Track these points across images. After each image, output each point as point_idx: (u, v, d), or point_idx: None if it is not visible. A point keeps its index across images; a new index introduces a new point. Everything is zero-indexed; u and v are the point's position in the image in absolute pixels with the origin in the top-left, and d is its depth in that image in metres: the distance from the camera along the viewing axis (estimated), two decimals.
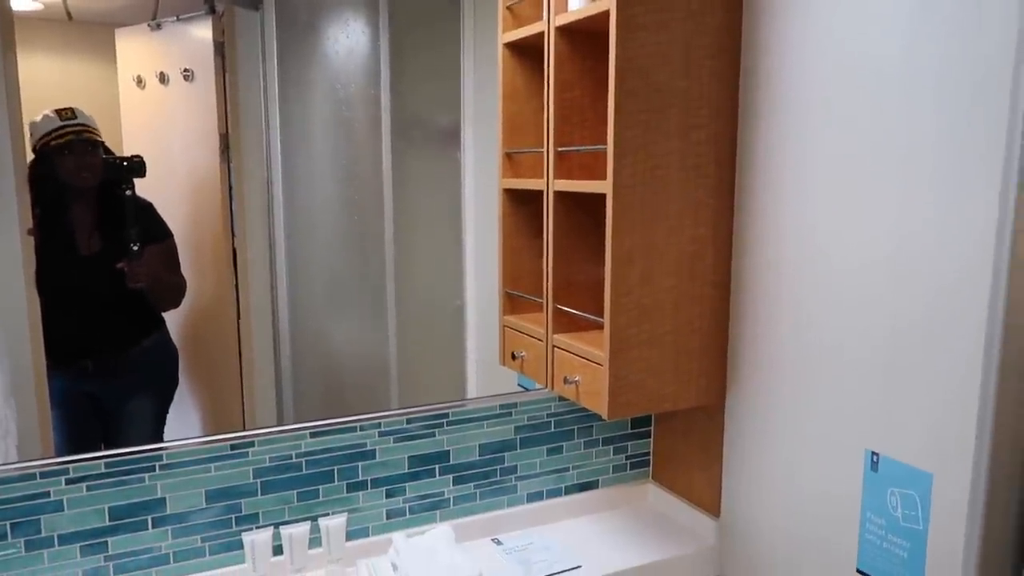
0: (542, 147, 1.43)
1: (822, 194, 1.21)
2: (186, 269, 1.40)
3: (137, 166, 1.33)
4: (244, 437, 1.38)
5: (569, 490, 1.68)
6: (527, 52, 1.51)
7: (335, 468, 1.46)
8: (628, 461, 1.73)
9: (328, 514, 1.45)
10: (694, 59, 1.27)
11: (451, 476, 1.56)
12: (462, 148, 1.61)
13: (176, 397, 1.42)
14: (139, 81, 1.33)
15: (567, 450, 1.67)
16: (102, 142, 1.31)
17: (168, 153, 1.37)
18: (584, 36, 1.36)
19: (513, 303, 1.58)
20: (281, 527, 1.38)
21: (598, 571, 1.45)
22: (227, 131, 1.40)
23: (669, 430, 1.68)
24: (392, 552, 1.40)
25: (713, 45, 1.29)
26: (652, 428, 1.74)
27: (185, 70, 1.37)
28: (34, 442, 1.28)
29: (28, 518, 1.25)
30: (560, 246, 1.41)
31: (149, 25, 1.33)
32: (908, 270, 1.07)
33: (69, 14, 1.27)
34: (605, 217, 1.26)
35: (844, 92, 1.15)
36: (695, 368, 1.38)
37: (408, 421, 1.51)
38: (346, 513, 1.43)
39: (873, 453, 1.15)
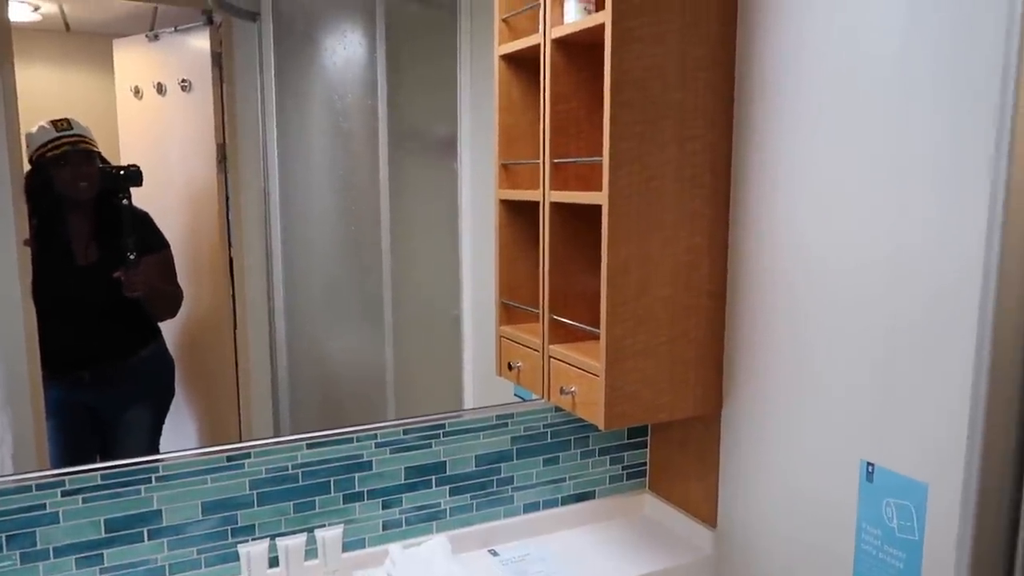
0: (538, 158, 1.44)
1: (816, 203, 1.21)
2: (183, 279, 1.40)
3: (134, 175, 1.33)
4: (240, 448, 1.38)
5: (566, 501, 1.68)
6: (523, 64, 1.51)
7: (331, 479, 1.45)
8: (625, 472, 1.73)
9: (324, 525, 1.45)
10: (689, 71, 1.28)
11: (447, 487, 1.56)
12: (459, 159, 1.62)
13: (172, 407, 1.42)
14: (136, 91, 1.34)
15: (564, 461, 1.67)
16: (98, 152, 1.31)
17: (165, 163, 1.38)
18: (580, 48, 1.37)
19: (509, 313, 1.59)
20: (277, 539, 1.37)
21: None
22: (224, 141, 1.41)
23: (665, 440, 1.68)
24: (388, 563, 1.40)
25: (708, 57, 1.30)
26: (648, 438, 1.74)
27: (183, 81, 1.37)
28: (30, 453, 1.28)
29: (24, 530, 1.25)
30: (556, 257, 1.41)
31: (147, 36, 1.34)
32: (902, 278, 1.07)
33: (67, 25, 1.28)
34: (601, 228, 1.26)
35: (838, 100, 1.16)
36: (691, 378, 1.38)
37: (404, 432, 1.51)
38: (342, 524, 1.43)
39: (868, 463, 1.15)
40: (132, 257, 1.35)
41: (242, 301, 1.46)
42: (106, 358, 1.39)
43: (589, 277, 1.42)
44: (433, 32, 1.59)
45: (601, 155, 1.25)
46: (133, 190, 1.34)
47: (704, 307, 1.37)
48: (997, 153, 0.83)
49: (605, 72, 1.21)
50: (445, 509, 1.56)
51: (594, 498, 1.71)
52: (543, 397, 1.48)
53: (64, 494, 1.26)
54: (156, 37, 1.35)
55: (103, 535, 1.30)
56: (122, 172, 1.33)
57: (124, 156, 1.33)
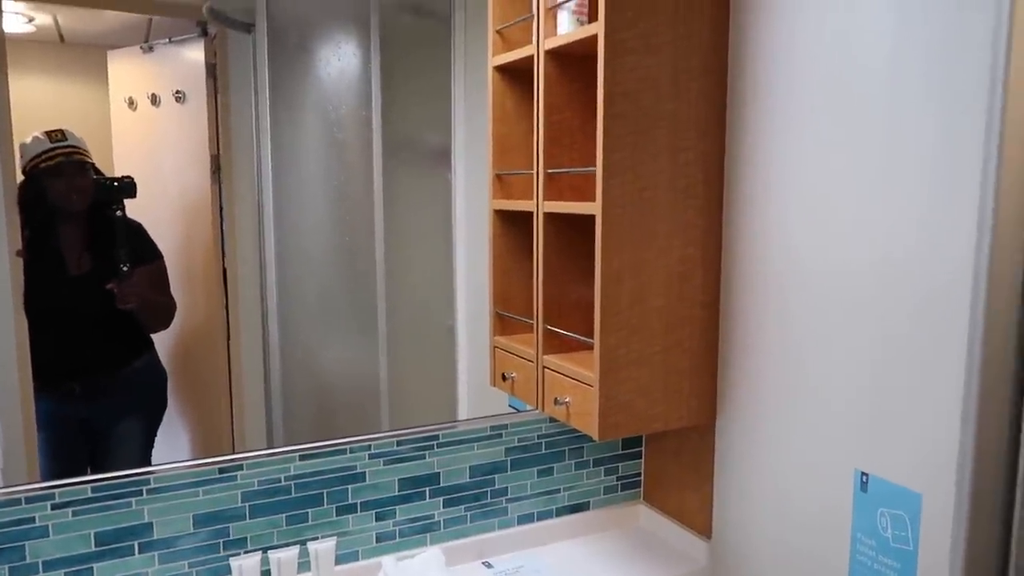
0: (532, 169, 1.44)
1: (808, 210, 1.22)
2: (176, 289, 1.40)
3: (128, 187, 1.33)
4: (232, 460, 1.37)
5: (560, 512, 1.68)
6: (517, 75, 1.52)
7: (324, 491, 1.45)
8: (619, 482, 1.73)
9: (317, 538, 1.44)
10: (682, 81, 1.29)
11: (441, 499, 1.55)
12: (453, 169, 1.62)
13: (165, 418, 1.42)
14: (131, 103, 1.34)
15: (558, 471, 1.66)
16: (92, 164, 1.31)
17: (159, 174, 1.37)
18: (573, 59, 1.38)
19: (503, 324, 1.59)
20: (270, 551, 1.37)
21: None
22: (218, 152, 1.41)
23: (660, 451, 1.68)
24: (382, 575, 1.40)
25: (700, 67, 1.31)
26: (643, 449, 1.74)
27: (177, 92, 1.38)
28: (20, 466, 1.28)
29: (12, 544, 1.24)
30: (550, 267, 1.41)
31: (141, 47, 1.34)
32: (893, 285, 1.08)
33: (61, 36, 1.28)
34: (595, 238, 1.26)
35: (829, 105, 1.17)
36: (685, 388, 1.38)
37: (398, 443, 1.50)
38: (335, 537, 1.43)
39: (863, 473, 1.15)
40: (125, 269, 1.34)
41: (236, 312, 1.45)
42: (98, 370, 1.39)
43: (583, 287, 1.42)
44: (427, 43, 1.60)
45: (594, 165, 1.25)
46: (127, 201, 1.34)
47: (698, 317, 1.37)
48: (986, 156, 0.83)
49: (598, 83, 1.22)
50: (439, 521, 1.56)
51: (588, 509, 1.70)
52: (537, 408, 1.48)
53: (54, 507, 1.25)
54: (151, 48, 1.35)
55: (93, 549, 1.29)
56: (116, 184, 1.33)
57: (118, 167, 1.33)
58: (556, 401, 1.39)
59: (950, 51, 0.97)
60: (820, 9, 1.17)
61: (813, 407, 1.24)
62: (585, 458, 1.69)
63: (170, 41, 1.36)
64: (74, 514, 1.27)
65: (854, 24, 1.12)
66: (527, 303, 1.56)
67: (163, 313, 1.40)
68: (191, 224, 1.41)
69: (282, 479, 1.41)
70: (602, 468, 1.71)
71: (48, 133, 1.27)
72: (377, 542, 1.51)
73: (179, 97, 1.38)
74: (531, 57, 1.40)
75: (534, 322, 1.45)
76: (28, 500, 1.24)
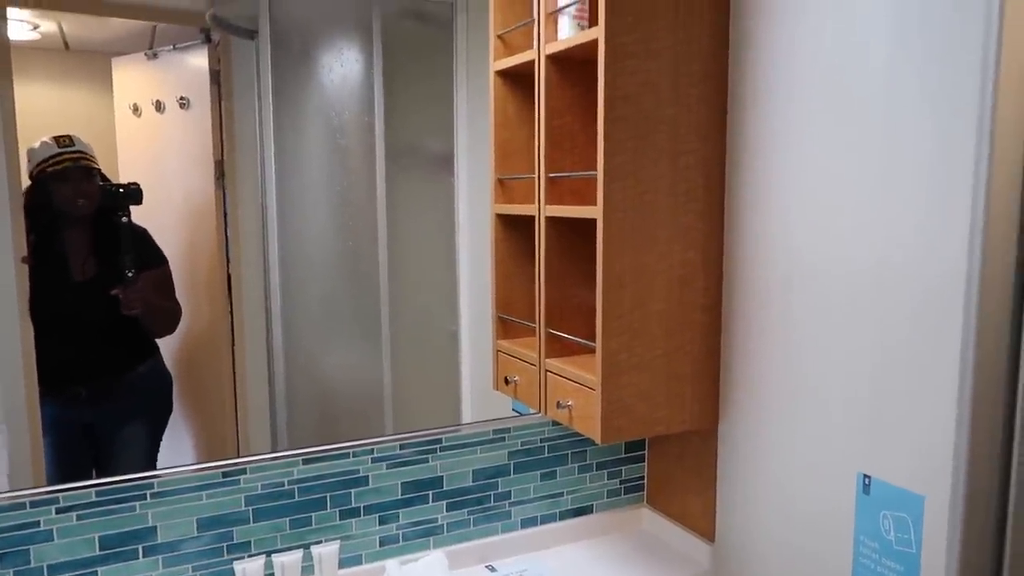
0: (534, 173, 1.44)
1: (808, 216, 1.22)
2: (181, 295, 1.41)
3: (134, 193, 1.34)
4: (236, 464, 1.38)
5: (563, 515, 1.68)
6: (518, 80, 1.53)
7: (328, 495, 1.45)
8: (622, 486, 1.73)
9: (321, 542, 1.44)
10: (682, 86, 1.29)
11: (444, 502, 1.56)
12: (455, 174, 1.63)
13: (169, 422, 1.42)
14: (135, 109, 1.35)
15: (561, 475, 1.66)
16: (99, 169, 1.32)
17: (164, 180, 1.38)
18: (574, 64, 1.38)
19: (506, 327, 1.59)
20: (273, 555, 1.37)
21: None
22: (223, 158, 1.41)
23: (663, 454, 1.68)
24: None
25: (700, 71, 1.31)
26: (646, 452, 1.74)
27: (181, 98, 1.38)
28: (25, 470, 1.28)
29: (17, 548, 1.24)
30: (552, 271, 1.42)
31: (146, 54, 1.35)
32: (893, 288, 1.08)
33: (66, 44, 1.29)
34: (596, 242, 1.27)
35: (828, 114, 1.17)
36: (687, 392, 1.38)
37: (401, 447, 1.51)
38: (339, 540, 1.43)
39: (865, 476, 1.15)
40: (130, 275, 1.35)
41: (240, 317, 1.46)
42: (103, 374, 1.39)
43: (585, 291, 1.43)
44: (429, 49, 1.60)
45: (596, 170, 1.26)
46: (133, 207, 1.35)
47: (699, 321, 1.37)
48: (977, 158, 0.83)
49: (599, 87, 1.22)
50: (442, 524, 1.56)
51: (592, 513, 1.70)
52: (540, 411, 1.48)
53: (58, 511, 1.26)
54: (155, 55, 1.36)
55: (97, 552, 1.29)
56: (121, 190, 1.33)
57: (123, 173, 1.34)
58: (559, 404, 1.39)
59: (945, 56, 0.98)
60: (820, 16, 1.18)
61: (815, 410, 1.24)
62: (588, 461, 1.69)
63: (174, 48, 1.37)
64: (79, 518, 1.27)
65: (853, 30, 1.12)
66: (529, 307, 1.56)
67: (168, 318, 1.40)
68: (195, 229, 1.41)
69: (285, 483, 1.41)
70: (605, 472, 1.71)
71: (56, 138, 1.28)
72: (380, 546, 1.51)
73: (183, 103, 1.38)
74: (532, 62, 1.41)
75: (536, 326, 1.46)
76: (33, 504, 1.24)
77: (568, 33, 1.33)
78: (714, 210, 1.36)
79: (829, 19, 1.16)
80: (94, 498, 1.28)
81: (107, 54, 1.32)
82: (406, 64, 1.57)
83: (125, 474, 1.31)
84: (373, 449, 1.48)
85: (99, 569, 1.30)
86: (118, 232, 1.34)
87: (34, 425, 1.29)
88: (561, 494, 1.67)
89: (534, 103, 1.42)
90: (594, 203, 1.27)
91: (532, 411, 1.58)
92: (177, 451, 1.42)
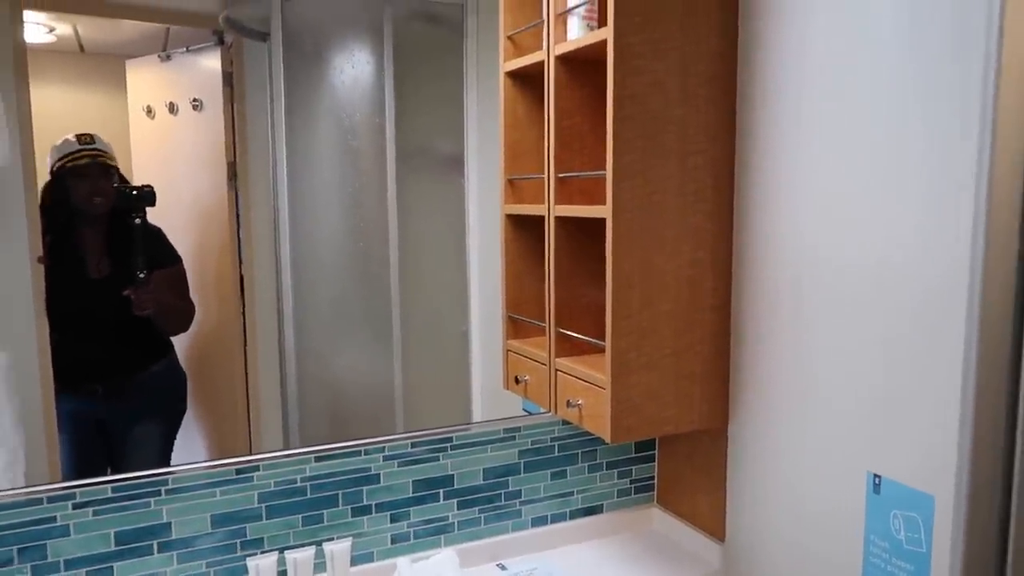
0: (543, 173, 1.45)
1: (817, 217, 1.22)
2: (194, 295, 1.42)
3: (148, 195, 1.35)
4: (249, 461, 1.39)
5: (574, 515, 1.68)
6: (528, 80, 1.53)
7: (340, 492, 1.46)
8: (632, 485, 1.73)
9: (333, 539, 1.45)
10: (690, 86, 1.29)
11: (455, 500, 1.56)
12: (466, 175, 1.63)
13: (183, 421, 1.44)
14: (149, 111, 1.36)
15: (571, 474, 1.67)
16: (116, 168, 1.34)
17: (177, 181, 1.39)
18: (583, 64, 1.39)
19: (516, 327, 1.60)
20: (286, 552, 1.38)
21: None
22: (235, 159, 1.42)
23: (673, 454, 1.68)
24: None
25: (709, 72, 1.31)
26: (656, 452, 1.74)
27: (194, 100, 1.39)
28: (41, 467, 1.30)
29: (35, 543, 1.26)
30: (562, 270, 1.42)
31: (159, 56, 1.36)
32: (900, 291, 1.08)
33: (81, 46, 1.30)
34: (605, 242, 1.27)
35: (837, 116, 1.17)
36: (697, 392, 1.38)
37: (412, 445, 1.52)
38: (351, 538, 1.44)
39: (875, 475, 1.15)
40: (142, 276, 1.36)
41: (252, 317, 1.47)
42: (117, 372, 1.41)
43: (594, 291, 1.43)
44: (440, 50, 1.61)
45: (605, 169, 1.26)
46: (146, 208, 1.36)
47: (708, 321, 1.37)
48: (979, 159, 0.84)
49: (607, 88, 1.23)
50: (453, 523, 1.57)
51: (602, 512, 1.71)
52: (550, 410, 1.48)
53: (75, 507, 1.28)
54: (168, 57, 1.37)
55: (113, 548, 1.31)
56: (135, 192, 1.35)
57: (137, 174, 1.35)
58: (569, 404, 1.39)
59: (951, 57, 0.98)
60: (829, 17, 1.18)
61: (824, 410, 1.24)
62: (598, 461, 1.69)
63: (187, 50, 1.38)
64: (95, 514, 1.29)
65: (862, 31, 1.12)
66: (539, 307, 1.57)
67: (181, 317, 1.42)
68: (208, 230, 1.43)
69: (298, 480, 1.43)
70: (615, 471, 1.71)
71: (78, 136, 1.30)
72: (392, 543, 1.52)
73: (196, 105, 1.39)
74: (542, 63, 1.42)
75: (546, 325, 1.46)
76: (50, 500, 1.26)
77: (577, 34, 1.34)
78: (723, 210, 1.36)
79: (838, 20, 1.16)
80: (110, 494, 1.30)
81: (121, 56, 1.33)
82: (417, 66, 1.57)
83: (139, 471, 1.32)
84: (384, 447, 1.49)
85: (115, 564, 1.31)
86: (131, 233, 1.36)
87: (50, 423, 1.31)
88: (571, 493, 1.67)
89: (544, 104, 1.42)
90: (603, 203, 1.27)
91: (542, 410, 1.58)
92: (190, 449, 1.43)
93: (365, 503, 1.49)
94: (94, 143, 1.31)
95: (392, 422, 1.60)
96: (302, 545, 1.43)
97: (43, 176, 1.28)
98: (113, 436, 1.41)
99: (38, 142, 1.26)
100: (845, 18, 1.15)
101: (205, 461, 1.37)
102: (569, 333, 1.43)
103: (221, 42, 1.40)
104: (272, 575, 1.35)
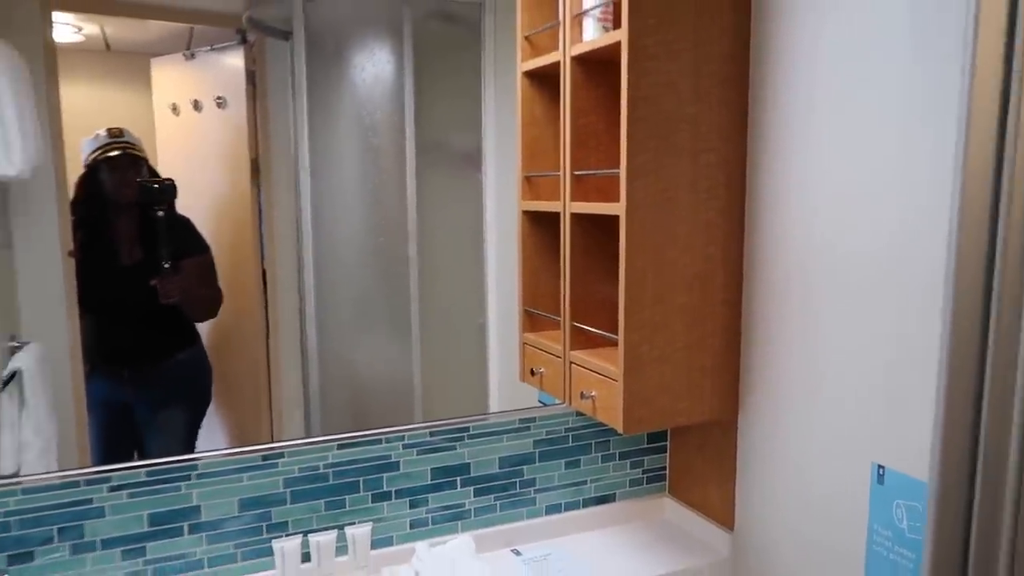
0: (559, 170, 1.47)
1: (826, 215, 1.24)
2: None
3: (168, 189, 1.38)
4: (274, 448, 1.42)
5: (587, 503, 1.71)
6: (545, 80, 1.55)
7: (361, 479, 1.49)
8: (645, 475, 1.76)
9: (354, 523, 1.48)
10: (703, 86, 1.31)
11: (472, 488, 1.59)
12: (483, 172, 1.64)
13: (208, 409, 1.46)
14: (174, 108, 1.38)
15: (585, 464, 1.69)
16: (146, 160, 1.36)
17: (201, 177, 1.41)
18: (598, 65, 1.40)
19: (532, 321, 1.62)
20: (309, 535, 1.41)
21: None
22: (258, 156, 1.44)
23: (685, 445, 1.70)
24: (415, 560, 1.43)
25: (721, 72, 1.33)
26: (668, 443, 1.76)
27: (218, 98, 1.41)
28: (72, 452, 1.33)
29: (73, 523, 1.30)
30: (577, 266, 1.44)
31: (184, 55, 1.38)
32: (906, 286, 1.10)
33: (108, 45, 1.32)
34: (619, 238, 1.29)
35: (847, 118, 1.19)
36: (708, 385, 1.40)
37: (431, 434, 1.54)
38: (371, 522, 1.47)
39: (879, 466, 1.18)
40: (167, 266, 1.39)
41: (275, 310, 1.49)
42: (142, 359, 1.43)
43: (608, 286, 1.45)
44: (458, 49, 1.62)
45: (619, 167, 1.28)
46: (169, 201, 1.38)
47: (719, 315, 1.40)
48: (955, 160, 0.87)
49: (622, 88, 1.25)
50: (470, 509, 1.60)
51: (615, 501, 1.73)
52: (565, 402, 1.51)
53: (110, 489, 1.32)
54: (192, 56, 1.39)
55: (146, 529, 1.35)
56: (156, 186, 1.37)
57: (162, 170, 1.37)
58: (582, 395, 1.42)
59: (959, 59, 1.00)
60: (841, 19, 1.19)
61: (831, 403, 1.26)
62: (611, 451, 1.72)
63: (211, 48, 1.40)
64: (129, 496, 1.33)
65: (874, 33, 1.14)
66: (555, 301, 1.58)
67: (208, 304, 1.44)
68: (231, 226, 1.44)
69: (321, 467, 1.46)
70: (628, 461, 1.73)
71: (108, 130, 1.32)
72: (410, 528, 1.55)
73: (220, 103, 1.41)
74: (558, 63, 1.43)
75: (561, 319, 1.48)
76: (87, 483, 1.31)
77: (592, 35, 1.35)
78: (735, 207, 1.38)
79: (849, 23, 1.18)
80: (143, 478, 1.34)
81: (146, 55, 1.35)
82: (436, 64, 1.59)
83: (163, 456, 1.35)
84: (404, 436, 1.52)
85: (147, 544, 1.35)
86: (156, 224, 1.38)
87: (80, 411, 1.34)
88: (584, 482, 1.70)
89: (560, 103, 1.44)
90: (617, 200, 1.29)
91: (557, 402, 1.60)
92: (213, 436, 1.45)
93: (385, 489, 1.52)
94: (123, 136, 1.34)
95: (411, 412, 1.62)
96: (325, 529, 1.46)
97: (73, 171, 1.30)
98: (139, 421, 1.44)
99: (67, 139, 1.28)
100: (855, 21, 1.17)
101: (233, 447, 1.40)
102: (584, 327, 1.45)
103: (244, 41, 1.42)
104: (296, 557, 1.38)
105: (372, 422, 1.52)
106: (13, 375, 1.29)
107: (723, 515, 1.57)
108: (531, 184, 1.58)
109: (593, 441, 1.70)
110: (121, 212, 1.38)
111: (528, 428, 1.63)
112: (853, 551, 1.24)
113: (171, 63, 1.37)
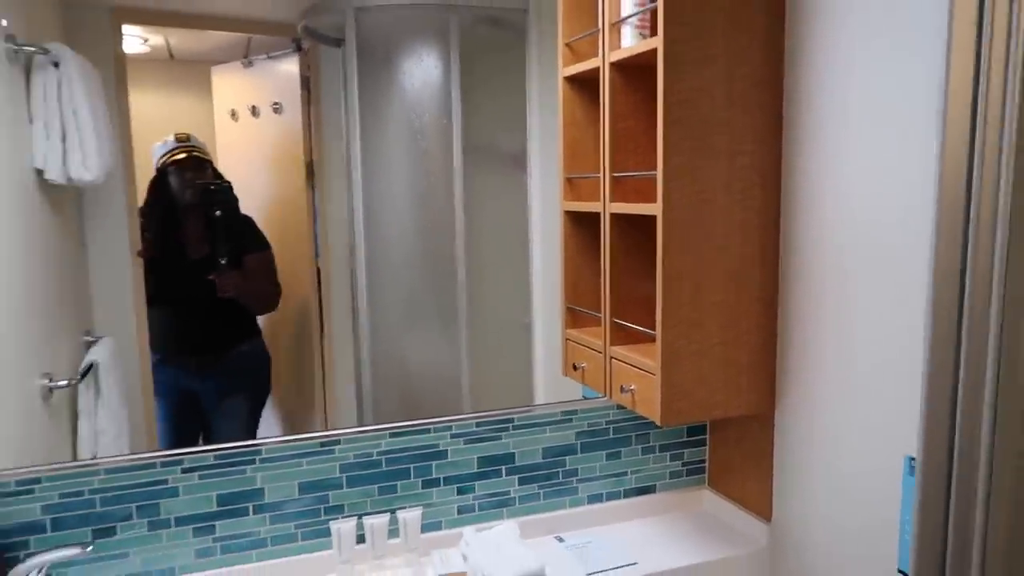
0: (600, 172, 1.49)
1: (860, 216, 1.26)
2: None
3: (225, 190, 1.43)
4: (331, 436, 1.48)
5: (627, 493, 1.73)
6: (585, 85, 1.57)
7: (411, 466, 1.55)
8: (684, 468, 1.77)
9: (405, 508, 1.54)
10: (737, 90, 1.33)
11: (516, 477, 1.63)
12: (528, 173, 1.67)
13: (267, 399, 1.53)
14: (233, 114, 1.43)
15: (625, 455, 1.72)
16: (211, 162, 1.42)
17: (259, 180, 1.46)
18: (636, 70, 1.42)
19: (575, 317, 1.64)
20: (364, 518, 1.47)
21: (653, 568, 1.50)
22: (312, 159, 1.49)
23: (723, 439, 1.71)
24: (463, 544, 1.48)
25: (754, 76, 1.34)
26: (707, 437, 1.77)
27: (275, 103, 1.46)
28: (141, 437, 1.41)
29: (150, 502, 1.39)
30: (616, 264, 1.47)
31: (242, 63, 1.43)
32: (925, 283, 1.12)
33: (171, 54, 1.38)
34: (657, 238, 1.32)
35: (881, 117, 1.20)
36: (744, 381, 1.42)
37: (478, 425, 1.59)
38: (421, 507, 1.51)
39: (911, 458, 1.20)
40: (223, 263, 1.45)
41: (328, 306, 1.54)
42: (209, 350, 1.51)
43: (647, 283, 1.47)
44: (503, 54, 1.64)
45: (656, 169, 1.31)
46: (228, 203, 1.44)
47: (755, 312, 1.41)
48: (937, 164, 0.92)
49: (658, 93, 1.27)
50: (514, 497, 1.64)
51: (655, 492, 1.75)
52: (605, 395, 1.53)
53: (183, 471, 1.40)
54: (250, 63, 1.43)
55: (215, 508, 1.43)
56: (212, 187, 1.43)
57: (223, 174, 1.43)
58: (622, 389, 1.45)
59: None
60: (872, 22, 1.20)
61: (865, 398, 1.28)
62: (651, 444, 1.74)
63: (268, 56, 1.44)
64: (200, 478, 1.41)
65: (897, 46, 1.16)
66: (596, 298, 1.61)
67: (268, 299, 1.50)
68: (288, 226, 1.49)
69: (374, 454, 1.52)
70: (667, 454, 1.75)
71: (176, 135, 1.39)
72: (458, 514, 1.60)
73: (276, 108, 1.46)
74: (598, 68, 1.45)
75: (602, 316, 1.51)
76: (162, 464, 1.39)
77: (630, 42, 1.38)
78: (770, 208, 1.40)
79: (883, 26, 1.19)
80: (212, 461, 1.41)
81: (207, 63, 1.40)
82: (482, 69, 1.61)
83: (228, 442, 1.42)
84: (452, 426, 1.57)
85: (216, 523, 1.43)
86: (216, 223, 1.45)
87: (148, 399, 1.41)
88: (625, 473, 1.72)
89: (599, 107, 1.46)
90: (655, 201, 1.32)
91: (598, 395, 1.63)
92: (270, 424, 1.51)
93: (434, 476, 1.57)
94: (190, 141, 1.40)
95: (459, 404, 1.66)
96: (378, 512, 1.52)
97: (144, 176, 1.36)
98: (206, 408, 1.51)
99: (136, 145, 1.34)
100: (888, 24, 1.18)
101: (293, 435, 1.46)
102: (623, 323, 1.48)
103: (299, 49, 1.46)
104: (352, 538, 1.44)
105: (422, 413, 1.57)
106: (89, 368, 1.37)
107: (761, 507, 1.59)
108: (572, 185, 1.60)
109: (633, 434, 1.72)
110: (188, 212, 1.44)
111: (570, 420, 1.66)
112: (886, 541, 1.25)
113: (230, 71, 1.42)
